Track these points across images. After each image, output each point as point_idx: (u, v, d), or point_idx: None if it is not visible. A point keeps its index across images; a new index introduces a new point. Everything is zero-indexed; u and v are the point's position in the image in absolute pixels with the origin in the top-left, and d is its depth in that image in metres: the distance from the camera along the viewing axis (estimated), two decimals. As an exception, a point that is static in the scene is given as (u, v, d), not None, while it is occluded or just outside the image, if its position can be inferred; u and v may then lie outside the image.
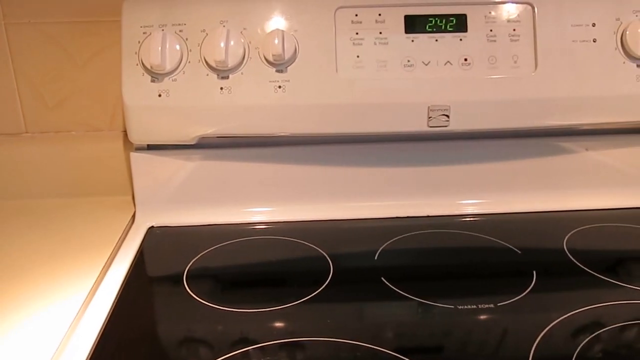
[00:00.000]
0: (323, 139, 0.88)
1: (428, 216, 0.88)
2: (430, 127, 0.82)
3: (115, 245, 0.78)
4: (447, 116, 0.82)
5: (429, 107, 0.81)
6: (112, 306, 0.64)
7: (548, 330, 0.58)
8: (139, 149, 0.87)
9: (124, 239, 0.81)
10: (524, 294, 0.66)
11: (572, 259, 0.74)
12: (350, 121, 0.82)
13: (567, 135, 0.91)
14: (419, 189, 0.90)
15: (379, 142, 0.89)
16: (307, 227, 0.85)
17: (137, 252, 0.78)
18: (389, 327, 0.61)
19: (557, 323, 0.60)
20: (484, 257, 0.77)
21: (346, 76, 0.80)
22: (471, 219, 0.89)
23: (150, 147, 0.88)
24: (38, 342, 0.56)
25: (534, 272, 0.70)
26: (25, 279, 0.68)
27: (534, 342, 0.56)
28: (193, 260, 0.75)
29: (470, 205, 0.90)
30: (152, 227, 0.86)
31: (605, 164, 0.91)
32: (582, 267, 0.72)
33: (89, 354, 0.55)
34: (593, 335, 0.58)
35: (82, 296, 0.64)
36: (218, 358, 0.54)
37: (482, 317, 0.62)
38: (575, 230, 0.82)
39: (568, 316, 0.61)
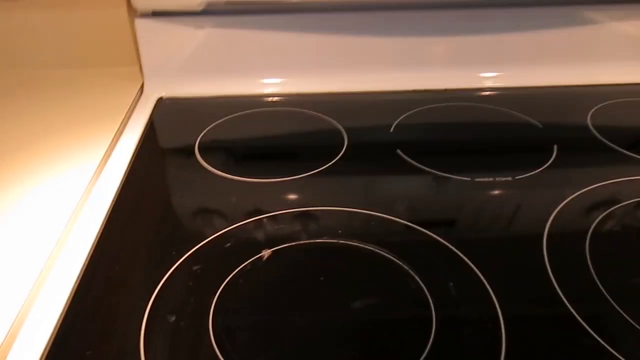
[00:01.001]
0: (338, 5, 0.83)
1: (446, 89, 0.85)
2: (453, -8, 0.77)
3: (124, 117, 0.76)
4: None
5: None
6: (124, 176, 0.63)
7: (565, 204, 0.57)
8: (144, 15, 0.83)
9: (133, 110, 0.80)
10: (543, 168, 0.64)
11: (596, 133, 0.72)
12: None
13: (594, 4, 0.84)
14: (438, 61, 0.86)
15: (397, 10, 0.83)
16: (322, 99, 0.82)
17: (147, 123, 0.76)
18: (404, 199, 0.60)
19: (574, 198, 0.59)
20: (504, 130, 0.75)
21: None
22: (491, 92, 0.85)
23: (156, 14, 0.83)
24: (51, 210, 0.56)
25: (555, 147, 0.68)
26: (34, 149, 0.67)
27: (550, 216, 0.56)
28: (204, 132, 0.73)
29: (491, 77, 0.87)
30: (162, 98, 0.83)
31: (633, 36, 0.86)
32: (606, 142, 0.70)
33: (102, 223, 0.55)
34: (609, 210, 0.57)
35: (92, 166, 0.63)
36: (232, 226, 0.55)
37: (499, 190, 0.61)
38: (601, 104, 0.79)
39: (586, 191, 0.60)
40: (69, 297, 0.46)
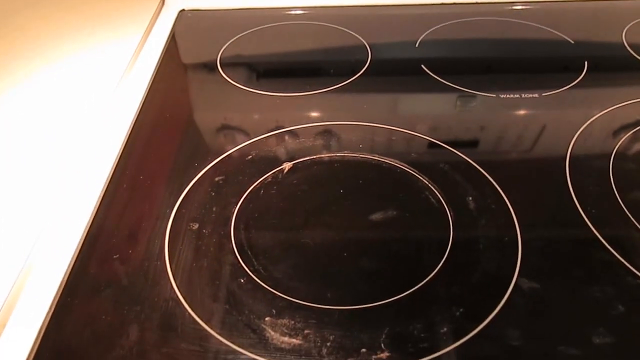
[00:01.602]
0: None
1: (475, 3, 0.81)
2: None
3: (145, 30, 0.75)
4: None
5: None
6: (146, 89, 0.63)
7: (590, 124, 0.56)
8: None
9: (154, 23, 0.78)
10: (571, 85, 0.62)
11: (630, 51, 0.69)
12: None
13: None
14: (469, -27, 0.82)
15: None
16: (345, 13, 0.80)
17: (169, 36, 0.75)
18: (427, 115, 0.59)
19: (600, 116, 0.57)
20: (534, 46, 0.72)
21: None
22: (523, 6, 0.81)
23: None
24: (74, 122, 0.56)
25: (586, 64, 0.66)
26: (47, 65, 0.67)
27: (574, 135, 0.55)
28: (226, 45, 0.72)
29: (523, -9, 0.83)
30: (183, 10, 0.82)
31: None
32: (640, 59, 0.67)
33: (127, 135, 0.56)
34: (635, 130, 0.56)
35: (114, 81, 0.63)
36: (254, 139, 0.55)
37: (524, 107, 0.59)
38: (636, 20, 0.75)
39: (612, 110, 0.58)
40: (96, 205, 0.48)
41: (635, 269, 0.41)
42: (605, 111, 0.58)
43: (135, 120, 0.58)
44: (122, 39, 0.72)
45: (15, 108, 0.58)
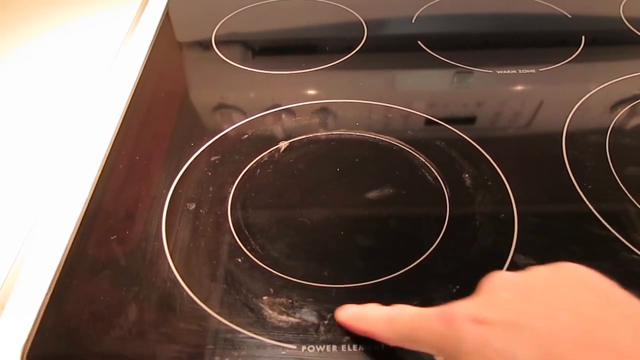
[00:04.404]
0: None
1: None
2: None
3: (139, 9, 0.74)
4: None
5: None
6: (141, 68, 0.63)
7: (587, 99, 0.56)
8: None
9: (147, 1, 0.77)
10: (569, 60, 0.62)
11: (628, 25, 0.68)
12: None
13: None
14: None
15: None
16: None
17: (163, 14, 0.74)
18: (424, 92, 0.59)
19: (597, 91, 0.57)
20: (531, 21, 0.72)
21: None
22: (520, -20, 0.81)
23: None
24: (68, 106, 0.56)
25: (583, 38, 0.65)
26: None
27: (571, 111, 0.54)
28: (220, 23, 0.72)
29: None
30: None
31: None
32: (638, 33, 0.67)
33: (121, 116, 0.56)
34: (632, 105, 0.55)
35: (108, 59, 0.63)
36: (249, 118, 0.55)
37: (521, 83, 0.59)
38: (635, -6, 0.75)
39: (609, 85, 0.58)
40: (93, 186, 0.48)
41: (631, 244, 0.41)
42: (603, 86, 0.58)
43: (130, 101, 0.58)
44: (114, 17, 0.71)
45: (8, 89, 0.58)
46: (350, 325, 0.36)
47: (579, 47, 0.64)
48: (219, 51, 0.66)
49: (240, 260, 0.41)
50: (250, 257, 0.41)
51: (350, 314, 0.36)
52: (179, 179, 0.48)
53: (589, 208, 0.44)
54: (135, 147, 0.52)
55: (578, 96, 0.56)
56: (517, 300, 0.28)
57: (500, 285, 0.30)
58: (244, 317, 0.37)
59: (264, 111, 0.56)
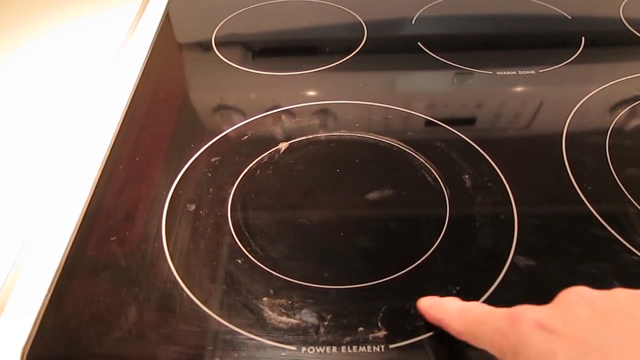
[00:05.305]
0: None
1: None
2: None
3: (139, 10, 0.74)
4: None
5: None
6: (141, 69, 0.63)
7: (587, 100, 0.56)
8: None
9: (148, 1, 0.77)
10: (569, 61, 0.62)
11: (628, 26, 0.68)
12: None
13: None
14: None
15: None
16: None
17: (163, 15, 0.74)
18: (424, 93, 0.59)
19: (597, 92, 0.57)
20: (531, 22, 0.72)
21: None
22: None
23: None
24: (70, 106, 0.56)
25: (583, 39, 0.65)
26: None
27: (571, 112, 0.54)
28: (220, 24, 0.72)
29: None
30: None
31: None
32: (638, 35, 0.67)
33: (122, 117, 0.56)
34: (632, 106, 0.55)
35: (108, 60, 0.62)
36: (249, 119, 0.55)
37: (521, 84, 0.59)
38: (635, -5, 0.75)
39: (609, 86, 0.58)
40: (93, 187, 0.47)
41: (631, 245, 0.41)
42: (603, 87, 0.58)
43: (130, 101, 0.58)
44: (114, 17, 0.71)
45: (8, 89, 0.58)
46: (427, 311, 0.36)
47: (579, 48, 0.64)
48: (219, 52, 0.66)
49: (240, 261, 0.41)
50: (250, 258, 0.41)
51: (430, 302, 0.36)
52: (179, 180, 0.48)
53: (589, 209, 0.44)
54: (135, 147, 0.52)
55: (578, 97, 0.56)
56: (592, 320, 0.27)
57: (577, 301, 0.28)
58: (243, 318, 0.37)
59: (264, 112, 0.56)
